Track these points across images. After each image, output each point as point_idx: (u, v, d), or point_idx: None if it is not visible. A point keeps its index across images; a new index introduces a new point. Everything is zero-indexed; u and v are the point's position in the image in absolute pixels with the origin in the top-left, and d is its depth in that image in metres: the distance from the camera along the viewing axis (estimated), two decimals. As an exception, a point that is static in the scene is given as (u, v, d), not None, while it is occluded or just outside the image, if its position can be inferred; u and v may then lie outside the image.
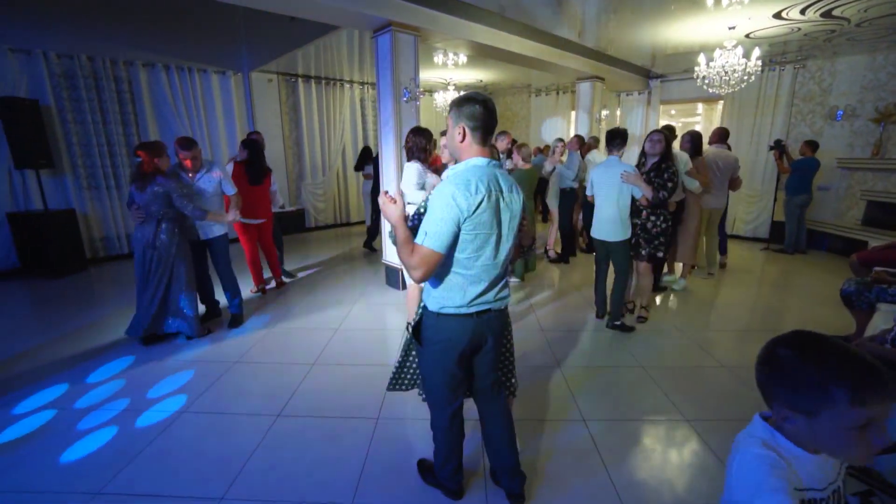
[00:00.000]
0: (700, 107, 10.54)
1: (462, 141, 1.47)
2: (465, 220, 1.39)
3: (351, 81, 8.16)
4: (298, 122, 7.66)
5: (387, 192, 1.50)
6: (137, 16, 4.95)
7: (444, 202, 1.38)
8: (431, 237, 1.39)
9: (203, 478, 1.95)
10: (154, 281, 3.14)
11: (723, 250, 5.35)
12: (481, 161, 1.47)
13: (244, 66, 6.73)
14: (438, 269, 1.47)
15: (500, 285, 1.58)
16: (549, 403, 2.53)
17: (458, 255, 1.46)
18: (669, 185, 3.22)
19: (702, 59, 4.67)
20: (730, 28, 4.60)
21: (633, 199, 3.24)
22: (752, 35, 5.02)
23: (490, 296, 1.55)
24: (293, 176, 7.89)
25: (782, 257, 6.01)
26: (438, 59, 6.44)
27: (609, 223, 3.29)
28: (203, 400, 2.56)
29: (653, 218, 3.37)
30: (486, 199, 1.41)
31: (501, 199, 1.47)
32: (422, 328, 1.63)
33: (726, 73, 4.54)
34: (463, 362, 1.62)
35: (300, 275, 5.14)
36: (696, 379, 2.80)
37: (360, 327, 3.64)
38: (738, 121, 6.92)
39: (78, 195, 5.42)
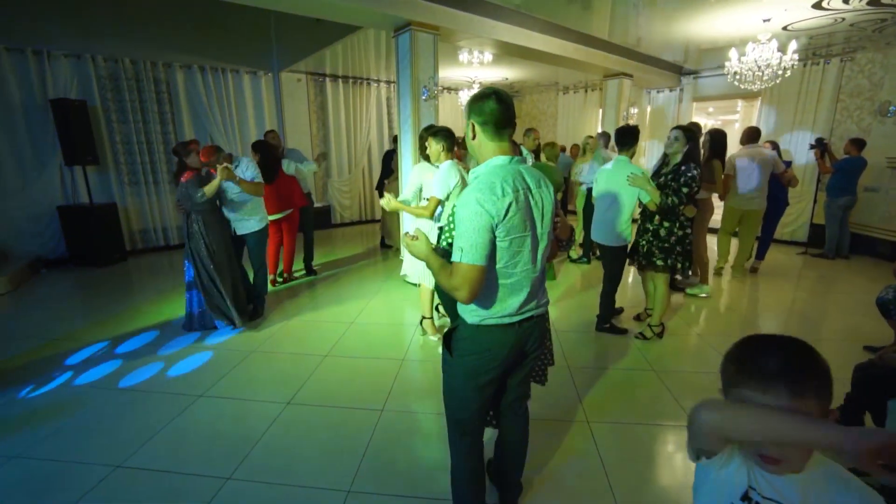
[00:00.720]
0: (739, 104, 10.08)
1: (474, 139, 1.38)
2: (497, 225, 1.27)
3: (378, 80, 8.29)
4: (326, 120, 7.86)
5: (407, 233, 1.42)
6: (176, 20, 5.24)
7: (471, 211, 1.26)
8: (468, 251, 1.26)
9: (213, 458, 2.06)
10: (213, 273, 3.31)
11: (760, 255, 5.11)
12: (502, 160, 1.34)
13: (274, 66, 6.96)
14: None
15: (541, 289, 1.48)
16: (552, 402, 2.51)
17: (496, 265, 1.35)
18: (685, 190, 2.94)
19: (733, 53, 4.47)
20: (764, 21, 4.38)
21: (643, 204, 3.10)
22: (790, 27, 4.76)
23: (533, 300, 1.43)
24: (320, 173, 8.10)
25: (822, 262, 5.67)
26: (463, 57, 6.45)
27: (609, 226, 3.18)
28: (220, 386, 2.70)
29: (667, 224, 3.09)
30: (514, 200, 1.28)
31: (531, 197, 1.35)
32: (454, 339, 1.47)
33: (759, 68, 4.33)
34: (497, 378, 1.48)
35: (322, 272, 5.28)
36: (711, 385, 2.70)
37: (374, 321, 3.71)
38: (777, 118, 6.58)
39: (120, 190, 5.79)
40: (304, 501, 1.81)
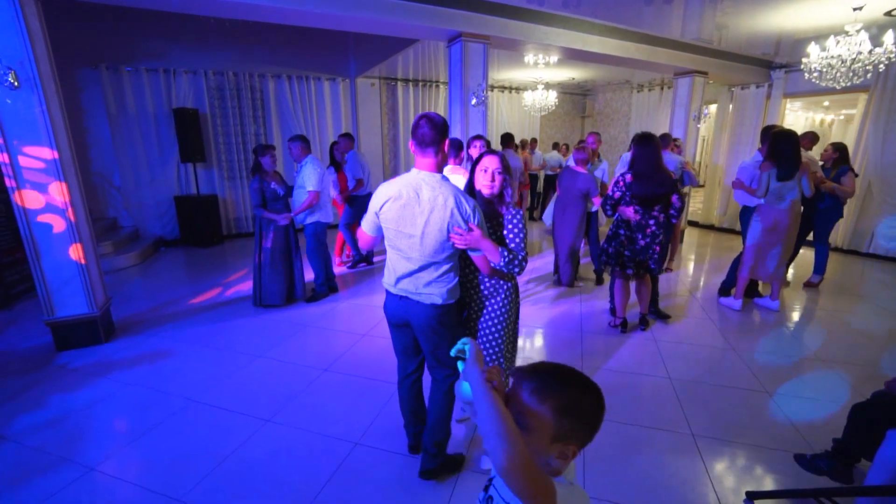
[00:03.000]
0: (860, 98, 8.79)
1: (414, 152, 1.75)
2: (377, 212, 1.75)
3: (446, 83, 8.66)
4: (396, 121, 8.43)
5: None
6: (270, 36, 6.06)
7: (373, 196, 1.77)
8: (364, 219, 1.83)
9: (259, 404, 2.56)
10: (267, 261, 3.97)
11: (817, 269, 4.66)
12: (414, 171, 1.72)
13: (351, 72, 7.66)
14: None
15: (420, 279, 1.75)
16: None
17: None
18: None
19: (812, 48, 4.07)
20: (855, 9, 3.91)
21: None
22: (894, 13, 4.17)
23: (408, 284, 1.78)
24: (389, 170, 8.72)
25: (930, 285, 4.90)
26: (529, 59, 6.54)
27: None
28: (275, 350, 3.25)
29: None
30: (391, 200, 1.70)
31: (416, 205, 1.68)
32: None
33: (843, 62, 3.90)
34: (402, 335, 1.92)
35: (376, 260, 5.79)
36: (725, 399, 2.64)
37: (412, 309, 4.08)
38: (889, 116, 5.72)
39: (220, 183, 6.87)
40: (320, 445, 2.21)
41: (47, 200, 3.05)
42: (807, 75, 4.21)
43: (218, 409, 2.52)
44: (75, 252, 3.17)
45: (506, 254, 1.78)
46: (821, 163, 4.45)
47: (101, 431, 2.36)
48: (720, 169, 7.71)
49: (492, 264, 1.81)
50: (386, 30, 4.18)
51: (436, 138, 1.66)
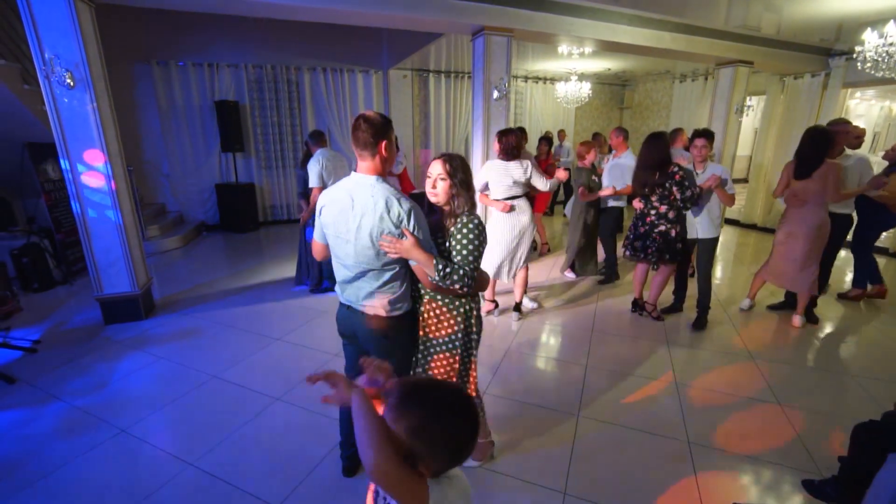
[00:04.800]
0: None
1: None
2: (319, 217, 1.71)
3: (478, 74, 8.60)
4: (427, 113, 8.49)
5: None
6: (306, 30, 6.28)
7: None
8: (315, 228, 1.79)
9: (272, 383, 2.76)
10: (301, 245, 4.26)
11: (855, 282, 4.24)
12: (352, 174, 1.65)
13: (384, 64, 7.77)
14: None
15: (360, 289, 1.68)
16: (550, 392, 2.68)
17: None
18: None
19: (869, 35, 3.73)
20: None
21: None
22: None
23: (349, 293, 1.73)
24: (419, 162, 8.83)
25: None
26: (563, 49, 6.39)
27: None
28: (292, 334, 3.46)
29: None
30: (328, 204, 1.67)
31: (350, 210, 1.60)
32: None
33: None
34: (350, 347, 1.86)
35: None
36: (732, 408, 2.56)
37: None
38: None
39: (257, 172, 7.23)
40: (326, 428, 2.36)
41: (97, 190, 3.38)
42: (860, 65, 3.87)
43: (236, 386, 2.74)
44: (120, 237, 3.51)
45: (441, 266, 1.58)
46: (886, 163, 4.01)
47: (133, 398, 2.64)
48: (765, 166, 7.23)
49: (429, 278, 1.63)
50: (409, 25, 4.23)
51: (369, 141, 1.55)
